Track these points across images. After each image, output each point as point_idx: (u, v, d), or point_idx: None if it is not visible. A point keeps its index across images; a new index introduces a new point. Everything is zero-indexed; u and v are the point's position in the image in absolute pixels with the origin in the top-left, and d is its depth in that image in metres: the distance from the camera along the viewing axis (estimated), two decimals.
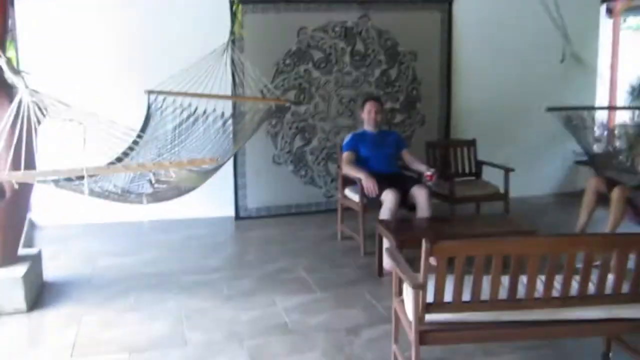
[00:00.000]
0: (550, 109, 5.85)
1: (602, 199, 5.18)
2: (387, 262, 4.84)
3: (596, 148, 6.26)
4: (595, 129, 6.26)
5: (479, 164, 6.25)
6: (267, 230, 6.20)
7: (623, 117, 6.96)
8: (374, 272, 4.86)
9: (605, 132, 6.30)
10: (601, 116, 6.44)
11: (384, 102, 6.50)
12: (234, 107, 5.91)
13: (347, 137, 5.65)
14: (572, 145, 7.70)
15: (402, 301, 3.17)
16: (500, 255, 2.78)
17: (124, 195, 4.02)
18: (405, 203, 5.23)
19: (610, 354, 3.36)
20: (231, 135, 5.24)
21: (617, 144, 6.27)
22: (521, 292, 2.85)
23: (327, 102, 6.73)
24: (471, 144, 6.29)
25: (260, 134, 6.44)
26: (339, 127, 6.79)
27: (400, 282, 3.20)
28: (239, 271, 5.01)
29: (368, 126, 5.62)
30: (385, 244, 4.77)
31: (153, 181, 3.56)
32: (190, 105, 5.19)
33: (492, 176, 6.11)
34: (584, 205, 5.27)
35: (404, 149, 5.74)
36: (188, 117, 5.21)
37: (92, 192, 3.64)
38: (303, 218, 6.64)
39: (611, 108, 7.25)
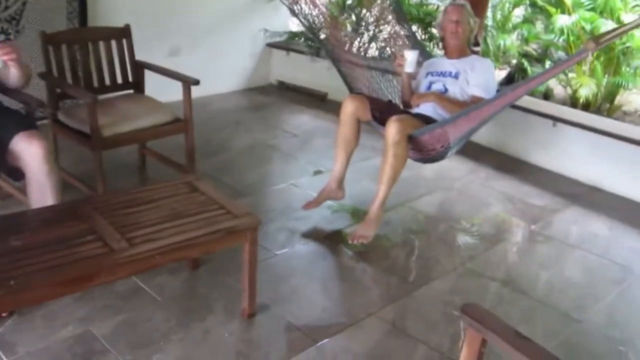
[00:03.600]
0: None
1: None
2: None
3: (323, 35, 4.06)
4: None
5: (139, 69, 3.78)
6: None
7: None
8: None
9: None
10: None
11: None
12: None
13: None
14: (261, 22, 5.69)
15: None
16: None
17: None
18: (5, 165, 2.67)
19: None
20: None
21: None
22: None
23: None
24: (123, 35, 3.72)
25: None
26: None
27: None
28: None
29: None
30: None
31: None
32: None
33: (158, 85, 3.72)
34: (339, 142, 3.33)
35: None
36: None
37: None
38: None
39: None
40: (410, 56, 3.26)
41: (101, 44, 3.64)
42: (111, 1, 4.65)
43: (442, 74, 3.41)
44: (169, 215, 2.46)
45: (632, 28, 2.80)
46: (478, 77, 3.29)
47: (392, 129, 2.98)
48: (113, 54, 3.68)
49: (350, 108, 3.26)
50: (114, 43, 3.69)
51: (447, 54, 3.48)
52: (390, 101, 3.60)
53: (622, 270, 3.12)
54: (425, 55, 3.82)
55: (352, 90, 3.61)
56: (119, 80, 3.73)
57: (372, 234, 3.14)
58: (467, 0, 3.50)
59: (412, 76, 3.45)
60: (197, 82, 3.44)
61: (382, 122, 3.16)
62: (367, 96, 3.42)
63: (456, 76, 3.35)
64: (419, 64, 3.50)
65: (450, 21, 3.36)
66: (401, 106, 3.57)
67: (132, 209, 2.50)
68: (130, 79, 3.75)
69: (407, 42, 3.90)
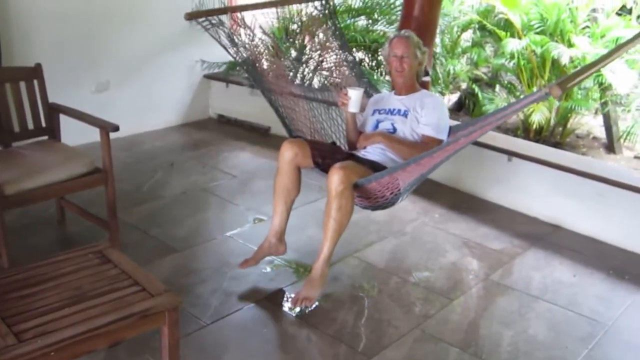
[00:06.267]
0: (192, 16, 3.22)
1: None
2: None
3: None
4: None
5: (53, 113, 3.38)
6: None
7: None
8: None
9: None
10: None
11: None
12: None
13: None
14: (198, 52, 5.33)
15: None
16: None
17: None
18: None
19: None
20: None
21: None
22: None
23: None
24: (33, 75, 3.32)
25: None
26: None
27: None
28: None
29: None
30: None
31: None
32: None
33: (78, 127, 3.25)
34: (277, 193, 2.98)
35: None
36: None
37: None
38: None
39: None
40: (355, 95, 2.94)
41: (8, 86, 3.25)
42: (28, 37, 4.24)
43: (390, 112, 3.12)
44: (71, 297, 2.08)
45: (601, 64, 2.50)
46: (429, 116, 2.99)
47: (335, 178, 2.65)
48: (22, 96, 3.29)
49: (288, 155, 2.91)
50: (22, 85, 3.29)
51: (395, 90, 3.19)
52: (334, 143, 3.28)
53: (590, 324, 2.84)
54: (371, 88, 3.54)
55: (291, 132, 3.28)
56: (30, 126, 3.34)
57: (317, 295, 2.80)
58: (415, 29, 3.23)
59: (357, 114, 3.15)
60: (116, 129, 3.05)
61: (325, 168, 2.83)
62: (308, 140, 3.08)
63: (405, 114, 3.05)
64: (365, 96, 3.20)
65: (395, 57, 3.05)
66: (346, 147, 3.27)
67: (27, 290, 2.12)
68: (44, 124, 3.36)
69: (352, 72, 3.60)
